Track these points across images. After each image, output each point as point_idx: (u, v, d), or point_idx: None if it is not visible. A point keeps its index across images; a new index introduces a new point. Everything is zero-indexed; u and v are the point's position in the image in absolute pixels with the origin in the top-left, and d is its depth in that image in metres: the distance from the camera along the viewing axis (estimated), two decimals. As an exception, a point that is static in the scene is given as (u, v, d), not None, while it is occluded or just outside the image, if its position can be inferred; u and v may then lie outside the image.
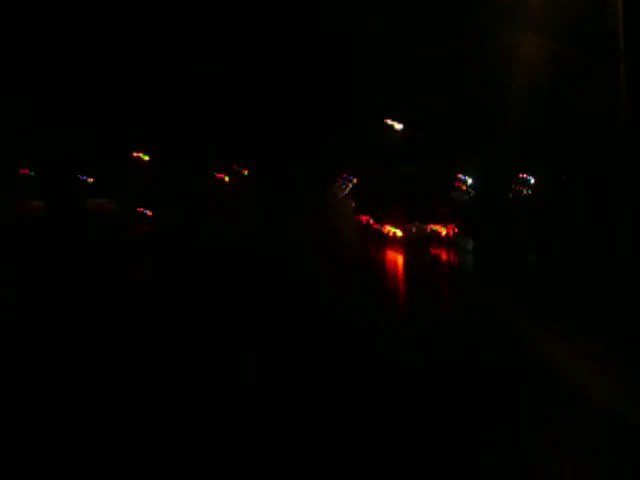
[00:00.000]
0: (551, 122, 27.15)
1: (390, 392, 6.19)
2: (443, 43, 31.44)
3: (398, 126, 43.91)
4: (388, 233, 24.84)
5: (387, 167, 37.56)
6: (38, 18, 23.36)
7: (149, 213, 30.46)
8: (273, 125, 46.35)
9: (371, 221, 28.65)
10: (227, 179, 44.72)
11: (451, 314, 11.30)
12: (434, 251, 21.38)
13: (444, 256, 20.90)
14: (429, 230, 24.58)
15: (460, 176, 51.27)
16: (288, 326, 9.54)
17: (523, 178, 40.98)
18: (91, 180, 34.53)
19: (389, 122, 47.71)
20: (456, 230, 24.61)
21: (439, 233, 24.30)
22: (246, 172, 48.53)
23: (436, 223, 25.04)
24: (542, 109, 27.66)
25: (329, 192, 72.50)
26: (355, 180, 60.70)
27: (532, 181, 42.75)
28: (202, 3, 30.38)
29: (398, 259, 19.92)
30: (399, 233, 23.88)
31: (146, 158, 36.90)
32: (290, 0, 31.63)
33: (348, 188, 78.10)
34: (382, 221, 25.88)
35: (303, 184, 54.22)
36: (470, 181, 52.41)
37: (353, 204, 49.25)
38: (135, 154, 37.05)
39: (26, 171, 31.68)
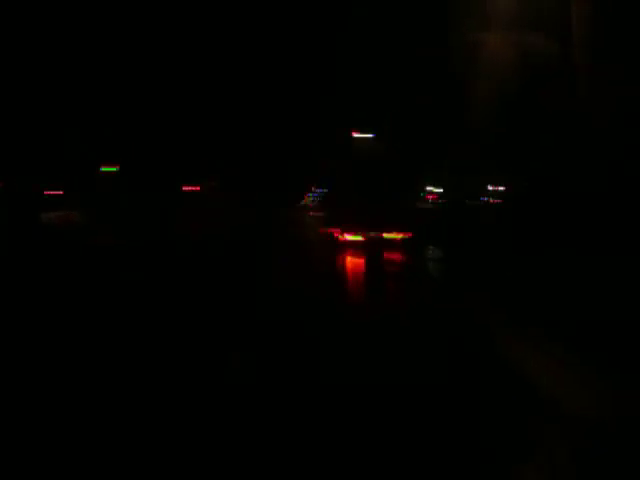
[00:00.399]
0: (517, 129, 27.72)
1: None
2: (409, 50, 31.87)
3: (366, 136, 44.34)
4: (346, 240, 25.17)
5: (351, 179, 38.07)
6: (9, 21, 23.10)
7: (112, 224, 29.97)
8: (241, 136, 46.32)
9: (335, 232, 26.95)
10: (198, 188, 44.38)
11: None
12: (386, 254, 21.87)
13: (396, 257, 21.61)
14: (384, 236, 25.01)
15: (429, 188, 51.83)
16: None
17: (494, 189, 41.72)
18: (60, 193, 34.03)
19: (356, 135, 48.14)
20: (410, 236, 25.38)
21: (396, 239, 24.97)
22: (214, 183, 48.20)
23: (393, 231, 25.43)
24: (508, 116, 28.25)
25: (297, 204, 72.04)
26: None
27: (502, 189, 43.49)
28: (177, 19, 30.40)
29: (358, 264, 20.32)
30: (360, 238, 24.65)
31: (114, 170, 36.52)
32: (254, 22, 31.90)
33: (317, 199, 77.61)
34: (344, 230, 25.39)
35: (271, 195, 54.19)
36: (439, 191, 52.97)
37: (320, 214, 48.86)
38: (104, 167, 36.67)
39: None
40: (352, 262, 21.19)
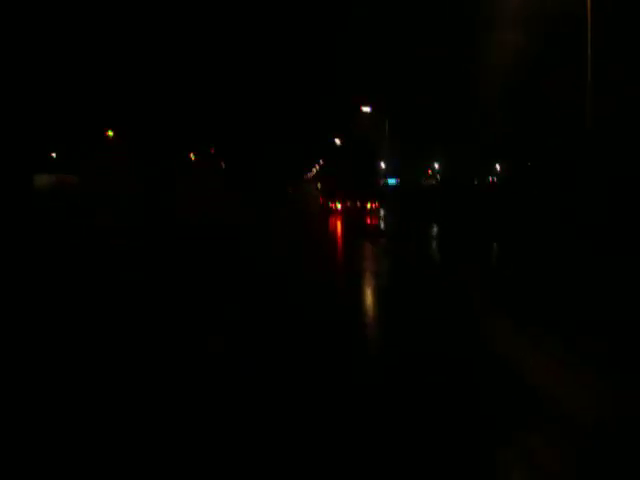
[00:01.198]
0: (518, 111, 27.46)
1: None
2: (414, 35, 31.56)
3: (366, 109, 44.35)
4: (331, 205, 39.83)
5: (340, 159, 50.68)
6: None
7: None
8: (244, 109, 46.31)
9: (324, 199, 43.93)
10: (194, 158, 44.21)
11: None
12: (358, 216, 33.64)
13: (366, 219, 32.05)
14: (359, 205, 38.49)
15: (435, 166, 51.87)
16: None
17: (492, 169, 41.51)
18: (52, 155, 33.78)
19: (363, 109, 47.99)
20: (377, 205, 38.11)
21: (366, 207, 37.90)
22: (212, 152, 48.17)
23: (366, 201, 38.21)
24: (509, 98, 27.97)
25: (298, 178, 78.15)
26: (321, 162, 75.50)
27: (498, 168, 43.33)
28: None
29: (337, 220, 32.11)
30: (338, 206, 38.78)
31: (111, 134, 36.24)
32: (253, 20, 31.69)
33: (313, 173, 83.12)
34: (331, 199, 40.38)
35: (271, 170, 57.68)
36: (437, 167, 53.01)
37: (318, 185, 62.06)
38: (107, 133, 36.41)
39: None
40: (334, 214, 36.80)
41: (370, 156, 46.08)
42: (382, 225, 28.58)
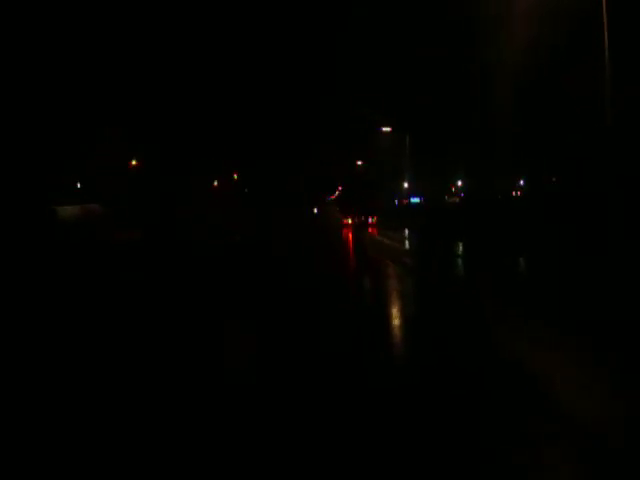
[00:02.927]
0: (539, 124, 27.17)
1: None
2: (430, 45, 31.53)
3: (386, 129, 44.53)
4: (344, 221, 51.33)
5: (355, 180, 61.49)
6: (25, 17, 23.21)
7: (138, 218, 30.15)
8: (267, 134, 46.86)
9: (341, 216, 55.87)
10: (216, 183, 44.71)
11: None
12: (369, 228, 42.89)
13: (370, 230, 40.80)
14: (363, 219, 49.60)
15: (458, 183, 51.81)
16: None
17: (516, 184, 41.15)
18: (77, 185, 34.32)
19: (383, 129, 48.19)
20: (375, 220, 49.08)
21: (371, 220, 49.11)
22: (236, 176, 48.72)
23: (370, 215, 49.89)
24: (531, 111, 27.72)
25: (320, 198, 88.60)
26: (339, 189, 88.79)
27: (522, 183, 42.88)
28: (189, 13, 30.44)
29: (347, 229, 43.06)
30: (350, 221, 49.99)
31: (134, 162, 36.78)
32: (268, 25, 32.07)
33: (334, 196, 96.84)
34: (345, 216, 52.66)
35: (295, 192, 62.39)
36: (460, 184, 52.77)
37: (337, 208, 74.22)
38: (131, 162, 37.05)
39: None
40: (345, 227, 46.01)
41: (377, 178, 57.08)
42: (407, 246, 28.32)
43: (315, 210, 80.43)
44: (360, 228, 41.99)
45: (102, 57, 29.07)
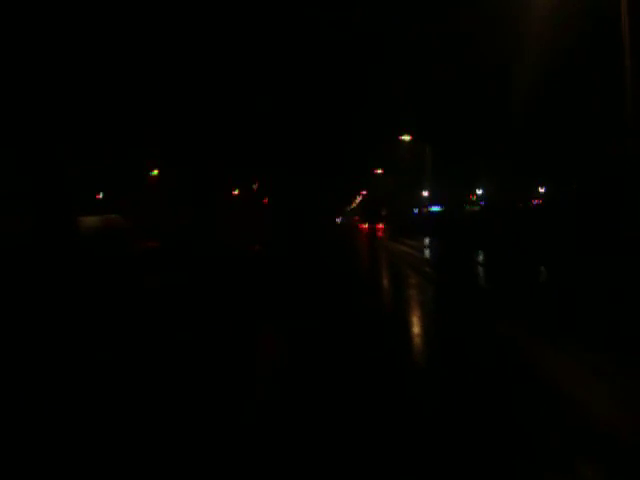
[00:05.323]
0: (558, 131, 26.94)
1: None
2: (450, 52, 31.45)
3: (406, 137, 44.48)
4: (361, 226, 73.33)
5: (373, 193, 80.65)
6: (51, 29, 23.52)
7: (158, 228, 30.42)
8: (288, 143, 47.06)
9: (359, 223, 78.80)
10: (236, 192, 44.96)
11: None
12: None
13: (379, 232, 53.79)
14: (376, 226, 66.28)
15: (480, 192, 51.71)
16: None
17: (536, 191, 40.83)
18: (99, 196, 34.71)
19: (402, 138, 48.20)
20: (382, 226, 66.01)
21: (380, 226, 65.94)
22: (255, 187, 48.94)
23: (379, 222, 69.83)
24: (552, 117, 27.49)
25: (340, 208, 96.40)
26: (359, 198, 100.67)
27: (542, 190, 42.51)
28: (210, 20, 30.68)
29: (363, 232, 59.27)
30: (365, 226, 70.97)
31: (155, 173, 37.11)
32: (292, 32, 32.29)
33: (354, 204, 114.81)
34: (361, 222, 74.75)
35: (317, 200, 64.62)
36: (480, 192, 52.55)
37: (356, 217, 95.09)
38: (152, 172, 37.42)
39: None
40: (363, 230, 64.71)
41: (394, 188, 66.23)
42: (427, 254, 28.19)
43: (338, 220, 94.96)
44: (373, 233, 55.54)
45: (120, 65, 29.38)
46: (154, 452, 4.42)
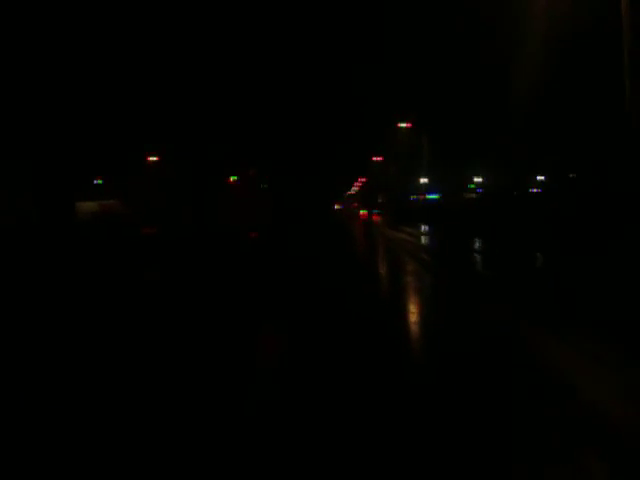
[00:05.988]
0: (560, 119, 26.92)
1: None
2: (450, 39, 31.34)
3: (403, 125, 44.37)
4: (359, 212, 74.74)
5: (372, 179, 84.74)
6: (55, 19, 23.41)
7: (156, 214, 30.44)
8: (286, 131, 47.02)
9: (358, 210, 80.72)
10: (234, 179, 44.89)
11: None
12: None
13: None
14: (371, 210, 72.89)
15: (477, 179, 51.69)
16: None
17: (532, 180, 40.88)
18: (100, 181, 34.71)
19: (400, 125, 48.10)
20: (379, 213, 70.36)
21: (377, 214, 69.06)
22: (252, 172, 48.85)
23: (377, 209, 74.34)
24: (552, 107, 27.46)
25: (338, 194, 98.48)
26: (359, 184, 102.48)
27: (540, 179, 42.60)
28: (215, 15, 30.52)
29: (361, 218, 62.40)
30: (364, 212, 71.31)
31: (155, 159, 37.04)
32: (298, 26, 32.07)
33: (351, 192, 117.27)
34: (360, 208, 78.01)
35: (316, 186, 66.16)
36: (478, 180, 52.58)
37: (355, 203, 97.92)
38: (148, 157, 37.35)
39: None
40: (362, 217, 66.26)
41: (392, 175, 68.37)
42: (425, 241, 28.25)
43: (336, 206, 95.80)
44: (371, 220, 58.33)
45: (121, 57, 29.28)
46: (154, 450, 4.47)
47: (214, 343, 7.61)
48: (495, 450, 4.16)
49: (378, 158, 69.43)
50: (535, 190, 40.28)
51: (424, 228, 36.07)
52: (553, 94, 26.26)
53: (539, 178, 42.88)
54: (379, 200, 79.39)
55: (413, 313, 9.85)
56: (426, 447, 4.28)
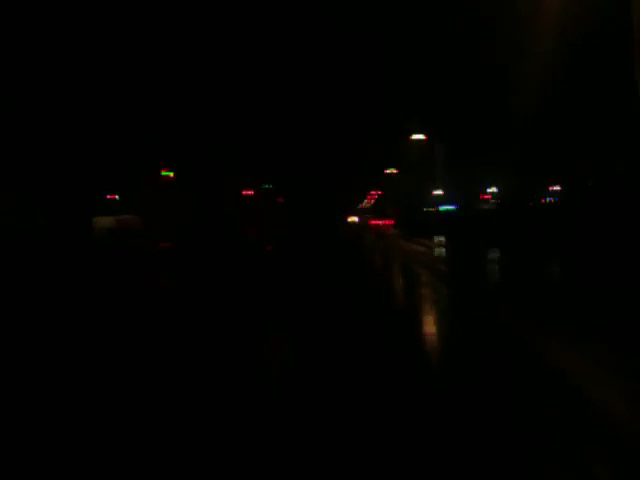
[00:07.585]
0: (573, 128, 26.82)
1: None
2: (462, 51, 31.38)
3: (418, 136, 44.37)
4: (373, 225, 77.73)
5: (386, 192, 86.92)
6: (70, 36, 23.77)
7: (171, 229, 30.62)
8: (301, 143, 47.23)
9: (372, 222, 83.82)
10: (252, 193, 45.23)
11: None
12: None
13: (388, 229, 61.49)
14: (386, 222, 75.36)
15: (493, 190, 51.54)
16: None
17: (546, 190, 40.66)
18: (116, 197, 35.06)
19: (414, 137, 48.13)
20: (388, 222, 74.82)
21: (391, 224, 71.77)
22: (269, 186, 49.22)
23: (388, 219, 76.43)
24: (563, 116, 27.38)
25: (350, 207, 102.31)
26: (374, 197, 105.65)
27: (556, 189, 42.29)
28: (222, 21, 30.79)
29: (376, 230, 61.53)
30: (379, 224, 74.95)
31: (171, 175, 37.38)
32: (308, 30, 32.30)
33: (364, 205, 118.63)
34: (374, 220, 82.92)
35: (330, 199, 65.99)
36: (494, 190, 52.37)
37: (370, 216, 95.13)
38: (162, 171, 37.70)
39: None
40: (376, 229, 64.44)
41: (405, 187, 69.67)
42: (441, 253, 28.17)
43: (350, 219, 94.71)
44: (386, 232, 56.50)
45: (138, 71, 29.64)
46: (154, 449, 4.50)
47: (222, 350, 7.65)
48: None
49: (392, 171, 69.20)
50: (550, 200, 40.01)
51: (438, 239, 35.99)
52: (567, 98, 26.15)
53: (555, 188, 42.60)
54: (393, 212, 78.54)
55: (428, 324, 9.85)
56: (439, 446, 4.29)
